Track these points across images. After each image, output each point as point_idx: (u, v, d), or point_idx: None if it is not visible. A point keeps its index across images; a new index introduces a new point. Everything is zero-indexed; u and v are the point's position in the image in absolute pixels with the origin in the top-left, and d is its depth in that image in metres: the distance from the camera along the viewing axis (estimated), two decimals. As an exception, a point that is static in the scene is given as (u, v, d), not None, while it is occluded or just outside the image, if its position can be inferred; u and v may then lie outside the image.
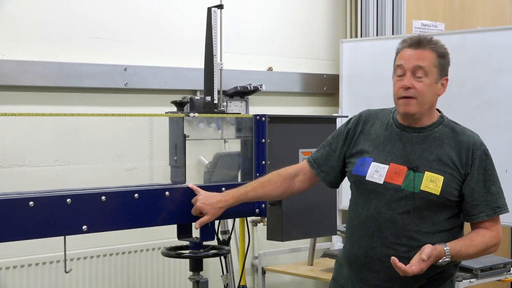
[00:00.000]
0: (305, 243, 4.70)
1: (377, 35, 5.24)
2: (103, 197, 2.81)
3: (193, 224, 3.03)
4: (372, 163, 2.67)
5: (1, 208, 2.58)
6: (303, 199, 3.45)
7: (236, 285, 4.25)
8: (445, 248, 2.52)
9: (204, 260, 3.23)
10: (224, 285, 4.37)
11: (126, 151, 4.28)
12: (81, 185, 3.30)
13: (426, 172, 2.59)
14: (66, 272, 2.94)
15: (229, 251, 3.87)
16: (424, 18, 5.50)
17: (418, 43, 2.62)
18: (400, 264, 2.49)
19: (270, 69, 4.98)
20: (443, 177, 2.58)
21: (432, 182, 2.58)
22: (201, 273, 3.18)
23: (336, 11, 5.38)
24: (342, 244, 4.42)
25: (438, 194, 2.57)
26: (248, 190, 2.95)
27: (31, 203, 2.64)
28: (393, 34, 5.23)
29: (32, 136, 3.94)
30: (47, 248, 3.84)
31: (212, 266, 4.48)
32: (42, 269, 3.96)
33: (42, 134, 3.96)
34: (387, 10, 5.27)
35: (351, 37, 5.37)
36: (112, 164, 4.22)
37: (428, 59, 2.60)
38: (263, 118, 3.43)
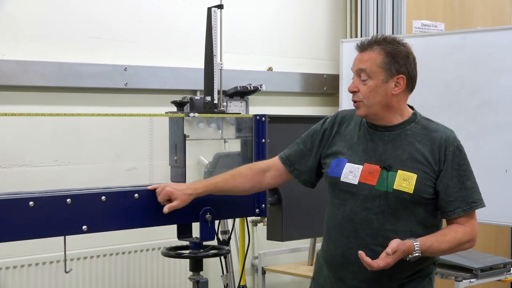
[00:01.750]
0: (305, 243, 4.70)
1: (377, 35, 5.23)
2: (103, 197, 2.81)
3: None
4: (347, 164, 2.66)
5: (1, 208, 2.58)
6: (303, 199, 3.44)
7: (236, 285, 4.24)
8: (414, 243, 2.49)
9: (204, 260, 3.22)
10: (224, 285, 4.36)
11: (126, 151, 4.28)
12: (81, 185, 3.30)
13: (399, 170, 2.57)
14: (66, 272, 2.93)
15: (229, 251, 3.86)
16: (424, 18, 5.50)
17: (362, 45, 2.62)
18: (367, 258, 2.47)
19: (270, 69, 4.98)
20: (416, 175, 2.56)
21: (405, 181, 2.56)
22: (201, 273, 3.18)
23: (336, 11, 5.38)
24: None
25: (412, 192, 2.55)
26: (218, 180, 2.91)
27: (31, 203, 2.63)
28: (393, 34, 5.23)
29: (32, 136, 3.93)
30: (47, 248, 3.84)
31: (212, 266, 4.48)
32: (42, 269, 3.96)
33: (42, 134, 3.96)
34: (387, 10, 5.26)
35: (351, 37, 5.37)
36: (112, 164, 4.22)
37: (370, 60, 2.59)
38: (263, 118, 3.42)
